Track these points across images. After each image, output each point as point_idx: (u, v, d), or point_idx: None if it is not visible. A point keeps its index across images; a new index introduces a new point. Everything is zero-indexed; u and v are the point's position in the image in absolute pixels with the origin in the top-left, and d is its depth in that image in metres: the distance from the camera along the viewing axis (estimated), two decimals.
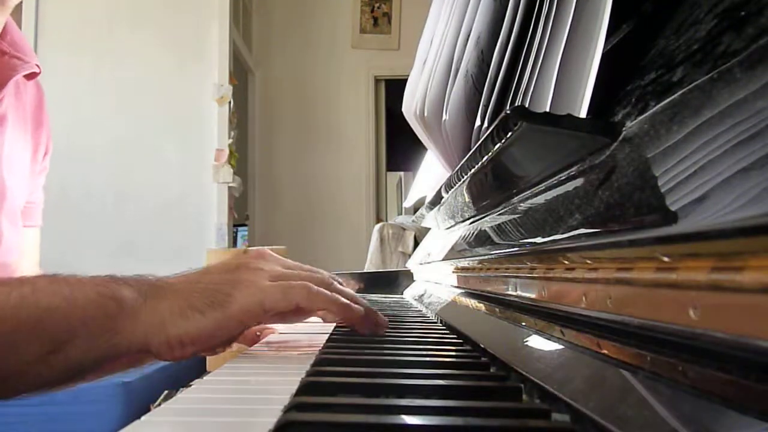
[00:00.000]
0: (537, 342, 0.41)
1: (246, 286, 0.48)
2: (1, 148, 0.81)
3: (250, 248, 0.57)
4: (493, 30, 0.63)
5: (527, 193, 0.53)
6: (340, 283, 0.58)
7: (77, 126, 3.62)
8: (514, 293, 0.50)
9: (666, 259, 0.25)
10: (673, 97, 0.31)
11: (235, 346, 0.56)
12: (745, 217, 0.20)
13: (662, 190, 0.28)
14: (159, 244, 3.52)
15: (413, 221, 1.42)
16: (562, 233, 0.39)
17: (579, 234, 0.36)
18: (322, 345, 0.56)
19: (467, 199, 0.74)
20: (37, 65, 0.85)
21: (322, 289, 0.50)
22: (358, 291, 1.35)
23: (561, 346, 0.37)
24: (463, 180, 0.67)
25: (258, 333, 0.68)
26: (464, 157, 0.61)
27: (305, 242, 4.25)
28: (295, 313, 0.53)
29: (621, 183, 0.33)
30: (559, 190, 0.44)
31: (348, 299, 0.54)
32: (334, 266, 2.16)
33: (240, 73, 4.10)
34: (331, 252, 4.30)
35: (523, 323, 0.46)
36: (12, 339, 0.42)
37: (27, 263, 0.89)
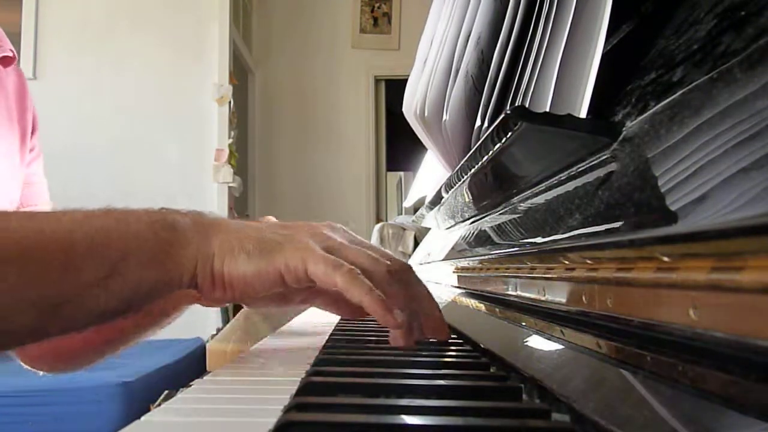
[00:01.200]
0: (537, 342, 0.41)
1: (298, 243, 0.46)
2: None
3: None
4: (493, 30, 0.63)
5: (527, 193, 0.53)
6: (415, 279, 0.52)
7: (78, 126, 3.62)
8: (514, 293, 0.50)
9: (666, 259, 0.25)
10: (673, 97, 0.31)
11: (230, 347, 0.55)
12: (745, 217, 0.20)
13: (662, 190, 0.28)
14: None
15: (413, 221, 1.42)
16: (562, 233, 0.39)
17: (579, 234, 0.36)
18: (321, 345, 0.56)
19: (467, 199, 0.74)
20: (11, 50, 0.83)
21: (366, 283, 0.45)
22: None
23: (561, 346, 0.37)
24: (463, 180, 0.67)
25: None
26: (464, 157, 0.61)
27: None
28: (329, 296, 0.51)
29: (621, 183, 0.33)
30: (559, 190, 0.44)
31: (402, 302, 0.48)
32: None
33: (240, 73, 4.10)
34: None
35: (523, 323, 0.46)
36: (67, 260, 0.41)
37: None
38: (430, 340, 0.52)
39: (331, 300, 0.54)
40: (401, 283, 0.49)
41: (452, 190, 0.76)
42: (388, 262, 0.49)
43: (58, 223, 0.42)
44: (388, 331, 0.51)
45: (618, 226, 0.31)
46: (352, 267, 0.45)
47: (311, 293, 0.53)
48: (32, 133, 0.88)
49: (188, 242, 0.45)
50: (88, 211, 0.44)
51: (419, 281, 0.52)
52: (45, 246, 0.40)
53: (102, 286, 0.42)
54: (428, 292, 0.52)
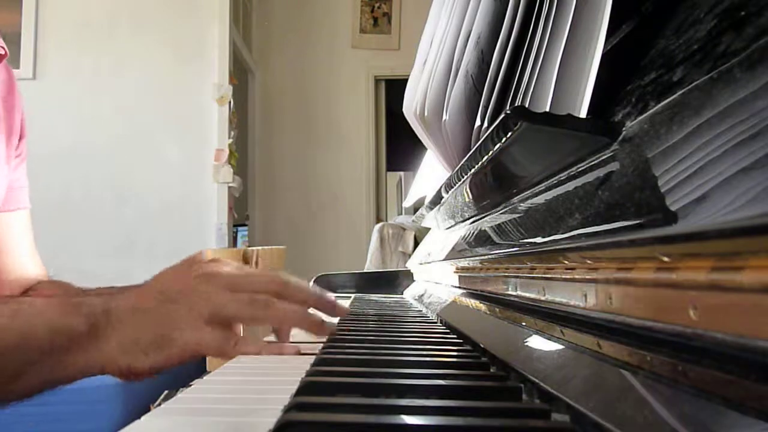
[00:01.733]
0: (537, 342, 0.41)
1: (186, 328, 0.53)
2: None
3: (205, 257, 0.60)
4: (493, 30, 0.63)
5: (527, 193, 0.53)
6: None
7: (77, 126, 3.62)
8: (514, 293, 0.50)
9: (666, 259, 0.25)
10: (673, 97, 0.31)
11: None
12: (745, 217, 0.20)
13: (662, 190, 0.28)
14: (159, 243, 3.52)
15: (413, 221, 1.42)
16: (562, 233, 0.39)
17: (579, 234, 0.36)
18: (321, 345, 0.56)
19: (467, 199, 0.74)
20: (3, 47, 0.83)
21: (238, 342, 0.53)
22: (359, 291, 1.35)
23: (561, 346, 0.37)
24: (463, 180, 0.67)
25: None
26: (464, 157, 0.61)
27: (305, 242, 4.25)
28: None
29: (621, 183, 0.33)
30: (559, 190, 0.44)
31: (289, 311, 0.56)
32: (334, 266, 2.16)
33: (240, 73, 4.10)
34: (331, 252, 4.30)
35: (523, 323, 0.46)
36: None
37: (21, 247, 0.87)
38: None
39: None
40: (290, 295, 0.57)
41: (452, 190, 0.76)
42: (268, 284, 0.56)
43: None
44: (387, 332, 0.59)
45: (618, 226, 0.31)
46: (235, 339, 0.53)
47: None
48: (20, 138, 0.87)
49: (86, 349, 0.52)
50: (11, 312, 0.50)
51: (293, 286, 0.59)
52: None
53: (6, 389, 0.49)
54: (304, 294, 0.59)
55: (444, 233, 1.05)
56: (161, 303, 0.54)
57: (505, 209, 0.60)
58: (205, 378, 0.45)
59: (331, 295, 0.62)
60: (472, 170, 0.60)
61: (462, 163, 0.62)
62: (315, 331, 0.58)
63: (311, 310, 0.59)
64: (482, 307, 0.61)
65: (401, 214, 4.08)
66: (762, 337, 0.19)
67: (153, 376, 0.54)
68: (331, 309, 0.62)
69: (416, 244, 2.79)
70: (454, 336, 0.61)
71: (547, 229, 0.43)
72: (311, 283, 0.63)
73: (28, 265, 0.86)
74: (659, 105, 0.33)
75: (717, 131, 0.25)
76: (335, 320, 0.70)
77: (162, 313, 0.54)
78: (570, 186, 0.42)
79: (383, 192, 4.73)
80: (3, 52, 0.82)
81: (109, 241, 3.52)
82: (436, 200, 0.89)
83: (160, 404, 0.37)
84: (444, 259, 0.87)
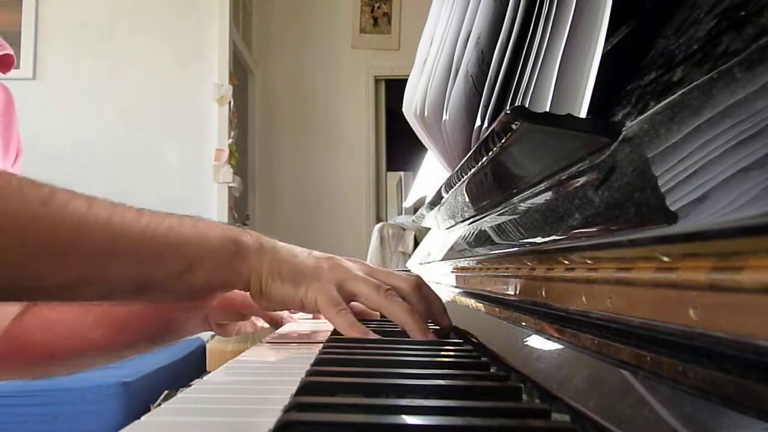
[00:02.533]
0: (537, 342, 0.41)
1: (317, 281, 0.60)
2: None
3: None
4: (493, 30, 0.63)
5: (527, 193, 0.53)
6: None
7: (77, 126, 3.62)
8: (514, 293, 0.50)
9: (666, 259, 0.25)
10: (673, 97, 0.31)
11: (230, 347, 0.62)
12: (745, 217, 0.20)
13: (662, 190, 0.28)
14: None
15: (413, 221, 1.42)
16: (562, 233, 0.39)
17: (579, 234, 0.36)
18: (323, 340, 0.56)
19: (467, 199, 0.74)
20: (11, 53, 0.84)
21: (348, 316, 0.59)
22: None
23: (561, 346, 0.37)
24: (463, 180, 0.67)
25: (281, 319, 0.79)
26: (464, 157, 0.61)
27: (305, 242, 4.20)
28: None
29: (621, 183, 0.33)
30: (559, 190, 0.44)
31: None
32: None
33: (240, 73, 4.10)
34: (331, 252, 4.28)
35: (523, 323, 0.46)
36: (160, 256, 0.53)
37: None
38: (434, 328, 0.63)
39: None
40: (416, 295, 0.63)
41: (452, 190, 0.76)
42: (388, 287, 0.62)
43: (159, 225, 0.53)
44: (387, 331, 0.60)
45: (618, 226, 0.31)
46: (344, 308, 0.59)
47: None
48: (16, 156, 0.89)
49: (247, 258, 0.58)
50: (179, 218, 0.56)
51: (427, 292, 0.65)
52: (149, 242, 0.52)
53: (178, 278, 0.54)
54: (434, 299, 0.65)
55: (444, 233, 1.05)
56: (311, 258, 0.63)
57: (505, 209, 0.60)
58: (205, 378, 0.45)
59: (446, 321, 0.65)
60: (472, 170, 0.60)
61: (462, 163, 0.62)
62: (415, 336, 0.59)
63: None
64: (482, 306, 0.61)
65: (401, 214, 4.08)
66: (762, 337, 0.19)
67: (280, 309, 0.62)
68: (442, 320, 0.65)
69: (416, 244, 2.79)
70: (454, 336, 0.61)
71: (547, 229, 0.43)
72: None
73: None
74: (659, 105, 0.33)
75: (717, 131, 0.25)
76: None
77: (308, 264, 0.62)
78: (570, 186, 0.42)
79: (383, 192, 4.73)
80: (11, 52, 0.83)
81: None
82: (436, 200, 0.89)
83: (160, 404, 0.37)
84: (444, 259, 0.87)
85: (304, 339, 0.69)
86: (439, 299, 0.65)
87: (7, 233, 0.45)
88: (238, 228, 0.61)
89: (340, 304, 0.60)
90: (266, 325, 0.77)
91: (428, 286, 0.66)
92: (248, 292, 0.60)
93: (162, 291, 0.55)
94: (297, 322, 0.80)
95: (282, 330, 0.75)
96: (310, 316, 0.76)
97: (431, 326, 0.62)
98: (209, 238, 0.56)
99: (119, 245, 0.51)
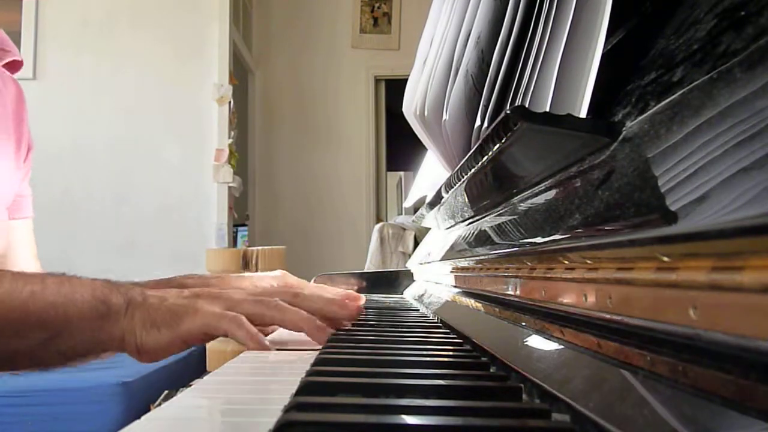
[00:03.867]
0: (537, 342, 0.41)
1: (195, 312, 0.59)
2: None
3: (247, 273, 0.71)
4: (493, 30, 0.63)
5: (527, 193, 0.53)
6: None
7: (77, 126, 3.62)
8: (514, 293, 0.50)
9: (666, 259, 0.25)
10: (673, 97, 0.31)
11: (230, 347, 0.62)
12: (745, 217, 0.20)
13: (662, 190, 0.28)
14: (159, 244, 3.52)
15: (413, 221, 1.42)
16: (562, 233, 0.39)
17: (579, 234, 0.36)
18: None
19: (467, 199, 0.74)
20: (19, 56, 0.86)
21: (245, 324, 0.59)
22: (358, 291, 1.35)
23: (561, 346, 0.37)
24: (463, 180, 0.67)
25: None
26: (464, 157, 0.61)
27: (305, 242, 4.25)
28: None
29: (621, 183, 0.33)
30: (559, 190, 0.44)
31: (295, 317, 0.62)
32: (334, 266, 2.16)
33: (240, 73, 4.10)
34: (331, 252, 4.30)
35: (523, 323, 0.46)
36: (20, 326, 0.52)
37: (24, 254, 0.92)
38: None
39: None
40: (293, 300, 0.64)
41: (452, 190, 0.76)
42: (273, 299, 0.63)
43: (20, 292, 0.53)
44: (387, 332, 0.61)
45: (618, 226, 0.31)
46: (233, 314, 0.59)
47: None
48: (28, 150, 0.92)
49: (118, 320, 0.57)
50: (43, 280, 0.56)
51: (304, 297, 0.66)
52: (7, 313, 0.52)
53: (44, 347, 0.53)
54: (317, 298, 0.67)
55: (444, 233, 1.05)
56: (188, 297, 0.62)
57: (505, 209, 0.60)
58: (205, 378, 0.45)
59: (352, 294, 0.67)
60: (472, 170, 0.60)
61: (462, 163, 0.62)
62: (315, 336, 0.61)
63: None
64: (482, 307, 0.61)
65: (401, 214, 4.09)
66: (762, 337, 0.19)
67: (162, 357, 0.59)
68: (341, 310, 0.67)
69: (416, 244, 2.79)
70: (454, 336, 0.61)
71: (547, 229, 0.43)
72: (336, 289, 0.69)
73: (30, 270, 0.90)
74: (659, 105, 0.33)
75: (717, 131, 0.25)
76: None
77: (185, 303, 0.60)
78: (570, 186, 0.42)
79: (383, 192, 4.73)
80: (20, 59, 0.86)
81: (109, 241, 3.52)
82: (436, 200, 0.89)
83: (160, 404, 0.37)
84: (444, 259, 0.87)
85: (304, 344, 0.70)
86: (333, 290, 0.68)
87: None
88: (108, 285, 0.60)
89: (224, 315, 0.59)
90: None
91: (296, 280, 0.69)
92: (125, 352, 0.59)
93: (30, 361, 0.55)
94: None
95: (281, 329, 0.75)
96: None
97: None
98: (75, 301, 0.56)
99: None
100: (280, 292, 0.66)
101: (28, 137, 0.92)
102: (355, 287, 1.35)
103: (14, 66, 0.88)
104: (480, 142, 0.52)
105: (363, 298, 0.73)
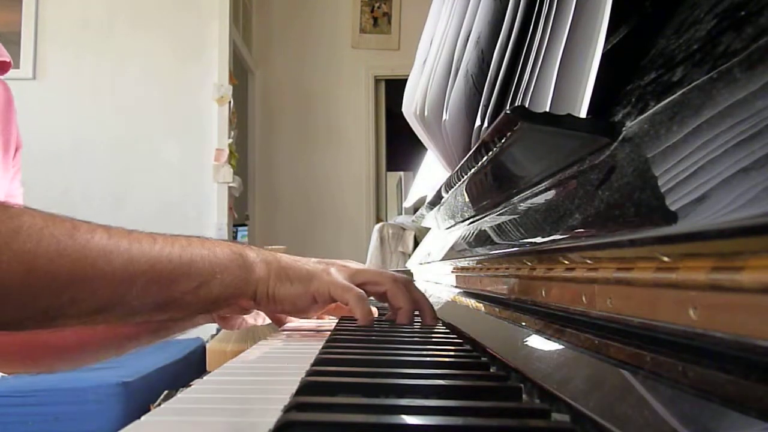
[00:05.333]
0: (537, 342, 0.41)
1: (327, 276, 0.67)
2: None
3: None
4: (493, 30, 0.63)
5: (527, 193, 0.53)
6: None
7: (77, 126, 3.62)
8: (514, 293, 0.50)
9: (666, 259, 0.25)
10: (673, 97, 0.31)
11: (230, 347, 0.64)
12: (745, 217, 0.20)
13: (662, 190, 0.28)
14: None
15: (413, 221, 1.42)
16: (562, 233, 0.39)
17: (579, 234, 0.36)
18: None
19: (467, 199, 0.74)
20: (8, 58, 0.87)
21: (366, 304, 0.67)
22: None
23: (561, 346, 0.37)
24: (463, 180, 0.67)
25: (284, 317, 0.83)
26: (464, 157, 0.61)
27: (305, 242, 4.25)
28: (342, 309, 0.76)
29: (621, 183, 0.33)
30: (559, 190, 0.44)
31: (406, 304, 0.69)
32: None
33: (240, 73, 4.10)
34: (331, 252, 4.30)
35: (523, 323, 0.46)
36: (175, 276, 0.57)
37: None
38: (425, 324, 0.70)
39: (344, 311, 0.77)
40: (406, 288, 0.71)
41: (452, 190, 0.76)
42: (394, 277, 0.71)
43: (172, 247, 0.59)
44: (387, 332, 0.63)
45: (618, 226, 0.31)
46: (360, 291, 0.66)
47: (329, 309, 0.77)
48: (16, 150, 0.92)
49: (253, 269, 0.64)
50: (188, 238, 0.62)
51: (416, 288, 0.72)
52: (165, 264, 0.57)
53: (193, 294, 0.59)
54: (423, 294, 0.72)
55: (444, 233, 1.05)
56: (315, 262, 0.69)
57: (505, 209, 0.60)
58: (205, 378, 0.45)
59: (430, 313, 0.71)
60: (472, 170, 0.60)
61: (462, 163, 0.62)
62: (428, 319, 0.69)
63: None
64: (482, 306, 0.61)
65: (401, 214, 4.08)
66: (762, 337, 0.19)
67: (289, 308, 0.66)
68: (430, 319, 0.71)
69: (416, 244, 2.79)
70: (454, 336, 0.61)
71: (547, 229, 0.43)
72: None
73: None
74: (659, 105, 0.33)
75: (717, 131, 0.25)
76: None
77: (313, 266, 0.68)
78: (570, 186, 0.42)
79: (383, 192, 4.73)
80: (8, 59, 0.86)
81: None
82: (436, 200, 0.89)
83: (160, 404, 0.37)
84: (444, 259, 0.87)
85: (308, 336, 0.70)
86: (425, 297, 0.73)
87: (40, 270, 0.49)
88: (243, 244, 0.67)
89: (352, 288, 0.66)
90: (267, 321, 0.79)
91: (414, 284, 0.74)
92: (254, 301, 0.64)
93: (179, 307, 0.60)
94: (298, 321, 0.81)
95: (282, 329, 0.75)
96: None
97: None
98: (217, 254, 0.61)
99: (139, 270, 0.55)
100: (398, 277, 0.72)
101: (16, 137, 0.92)
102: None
103: (2, 67, 0.89)
104: (480, 142, 0.52)
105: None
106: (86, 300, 0.52)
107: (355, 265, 0.74)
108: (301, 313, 0.70)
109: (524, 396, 0.37)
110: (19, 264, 0.48)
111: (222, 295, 0.61)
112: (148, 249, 0.56)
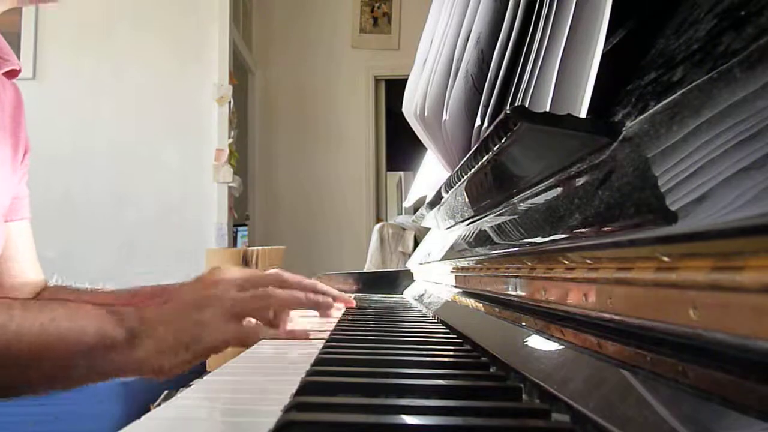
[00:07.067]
0: (537, 342, 0.41)
1: (211, 326, 0.62)
2: None
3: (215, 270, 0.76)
4: (493, 30, 0.63)
5: (527, 193, 0.53)
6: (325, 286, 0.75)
7: (77, 126, 3.62)
8: (514, 293, 0.50)
9: (666, 259, 0.25)
10: (673, 97, 0.31)
11: (230, 348, 0.65)
12: (745, 217, 0.20)
13: (662, 190, 0.28)
14: (159, 244, 3.52)
15: (413, 221, 1.42)
16: (562, 233, 0.39)
17: (579, 234, 0.36)
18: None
19: (467, 199, 0.74)
20: (18, 65, 0.88)
21: (263, 330, 0.66)
22: (358, 291, 1.35)
23: (561, 346, 0.37)
24: (463, 180, 0.67)
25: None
26: (464, 157, 0.61)
27: (305, 242, 4.25)
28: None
29: (621, 183, 0.33)
30: (559, 190, 0.44)
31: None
32: (334, 266, 2.16)
33: (240, 73, 4.10)
34: (331, 252, 4.30)
35: (523, 323, 0.46)
36: (33, 358, 0.55)
37: (25, 257, 0.93)
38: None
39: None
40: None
41: (452, 190, 0.76)
42: (268, 287, 0.68)
43: (31, 325, 0.56)
44: (387, 332, 0.62)
45: (618, 226, 0.31)
46: (254, 326, 0.65)
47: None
48: (25, 152, 0.93)
49: (122, 351, 0.60)
50: (55, 311, 0.58)
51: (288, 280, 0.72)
52: (20, 348, 0.55)
53: (64, 370, 0.57)
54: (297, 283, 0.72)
55: (444, 233, 1.05)
56: (188, 311, 0.64)
57: (505, 209, 0.60)
58: (205, 378, 0.45)
59: (333, 291, 0.73)
60: (472, 170, 0.60)
61: (462, 163, 0.62)
62: (319, 309, 0.69)
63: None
64: (482, 307, 0.61)
65: (401, 214, 4.08)
66: (762, 337, 0.19)
67: (183, 372, 0.63)
68: (327, 298, 0.72)
69: (416, 244, 2.79)
70: (454, 336, 0.61)
71: (547, 229, 0.43)
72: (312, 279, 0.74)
73: (29, 272, 0.93)
74: (659, 105, 0.33)
75: (717, 131, 0.25)
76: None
77: (190, 320, 0.63)
78: (570, 186, 0.42)
79: (383, 192, 4.73)
80: (18, 68, 0.87)
81: (109, 241, 3.52)
82: (436, 200, 0.89)
83: (160, 404, 0.37)
84: (444, 259, 0.87)
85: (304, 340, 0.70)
86: (303, 279, 0.73)
87: None
88: (109, 314, 0.62)
89: (246, 331, 0.64)
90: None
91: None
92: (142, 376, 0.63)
93: (47, 385, 0.59)
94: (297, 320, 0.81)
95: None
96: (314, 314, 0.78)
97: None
98: (73, 342, 0.59)
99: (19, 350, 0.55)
100: (263, 279, 0.70)
101: (25, 140, 0.93)
102: (355, 287, 1.35)
103: (12, 74, 0.90)
104: (480, 142, 0.52)
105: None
106: None
107: (232, 274, 0.70)
108: (243, 340, 0.66)
109: (524, 396, 0.37)
110: None
111: (92, 375, 0.60)
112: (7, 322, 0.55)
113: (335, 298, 0.75)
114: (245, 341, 0.64)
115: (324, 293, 0.73)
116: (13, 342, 0.55)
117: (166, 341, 0.61)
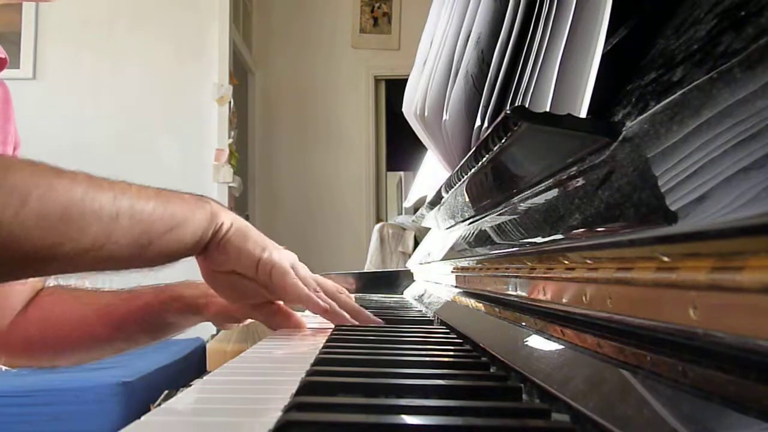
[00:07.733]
0: (537, 342, 0.41)
1: (276, 254, 0.70)
2: None
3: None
4: (493, 30, 0.63)
5: (527, 193, 0.53)
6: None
7: (77, 126, 3.62)
8: (514, 293, 0.50)
9: (666, 259, 0.25)
10: (673, 97, 0.31)
11: (230, 347, 0.65)
12: (745, 217, 0.20)
13: (662, 190, 0.28)
14: None
15: (413, 221, 1.43)
16: (562, 233, 0.39)
17: (579, 234, 0.36)
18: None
19: (467, 199, 0.74)
20: (4, 54, 0.87)
21: (305, 290, 0.70)
22: (358, 291, 1.35)
23: (561, 346, 0.37)
24: (463, 180, 0.67)
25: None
26: (464, 157, 0.61)
27: (305, 242, 4.25)
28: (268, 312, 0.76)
29: (621, 183, 0.33)
30: (559, 190, 0.44)
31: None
32: (334, 266, 2.16)
33: (240, 73, 4.10)
34: (331, 252, 4.30)
35: (523, 323, 0.46)
36: (153, 217, 0.57)
37: None
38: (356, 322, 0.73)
39: (267, 316, 0.76)
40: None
41: (452, 190, 0.76)
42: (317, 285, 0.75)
43: (147, 191, 0.59)
44: (387, 332, 0.62)
45: (618, 226, 0.31)
46: (297, 280, 0.70)
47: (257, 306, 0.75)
48: (15, 149, 0.93)
49: (219, 217, 0.65)
50: (159, 189, 0.61)
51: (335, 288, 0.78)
52: (144, 202, 0.58)
53: (169, 236, 0.59)
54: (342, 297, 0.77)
55: (444, 233, 1.05)
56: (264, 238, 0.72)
57: (505, 209, 0.60)
58: (205, 378, 0.45)
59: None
60: (472, 170, 0.60)
61: (462, 163, 0.62)
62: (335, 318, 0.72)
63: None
64: (482, 307, 0.61)
65: (401, 214, 4.08)
66: (762, 337, 0.19)
67: (224, 270, 0.67)
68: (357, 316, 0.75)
69: (416, 244, 2.79)
70: (454, 336, 0.61)
71: (547, 229, 0.43)
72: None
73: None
74: (659, 105, 0.33)
75: (717, 131, 0.25)
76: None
77: (274, 245, 0.72)
78: (570, 186, 0.42)
79: (383, 192, 4.73)
80: (4, 56, 0.86)
81: None
82: (436, 200, 0.89)
83: (160, 404, 0.37)
84: (444, 259, 0.87)
85: (308, 335, 0.71)
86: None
87: (33, 204, 0.48)
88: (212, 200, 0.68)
89: (290, 272, 0.69)
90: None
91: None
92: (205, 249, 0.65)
93: (158, 252, 0.60)
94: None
95: (281, 329, 0.75)
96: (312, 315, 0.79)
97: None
98: (186, 199, 0.63)
99: (123, 207, 0.55)
100: (326, 283, 0.76)
101: (14, 135, 0.93)
102: (355, 287, 1.35)
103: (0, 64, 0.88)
104: (480, 142, 0.52)
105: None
106: (75, 238, 0.51)
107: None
108: (234, 286, 0.70)
109: (524, 396, 0.37)
110: (12, 198, 0.46)
111: (191, 242, 0.62)
112: (127, 189, 0.57)
113: (365, 319, 0.75)
114: (285, 281, 0.68)
115: (357, 312, 0.75)
116: (141, 199, 0.58)
117: (248, 229, 0.68)
